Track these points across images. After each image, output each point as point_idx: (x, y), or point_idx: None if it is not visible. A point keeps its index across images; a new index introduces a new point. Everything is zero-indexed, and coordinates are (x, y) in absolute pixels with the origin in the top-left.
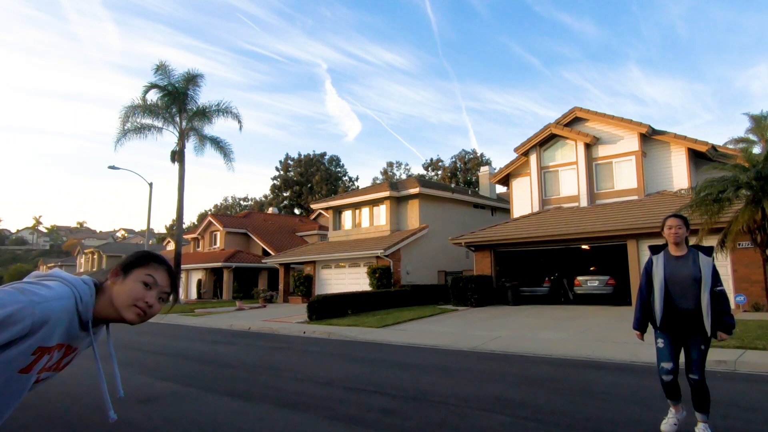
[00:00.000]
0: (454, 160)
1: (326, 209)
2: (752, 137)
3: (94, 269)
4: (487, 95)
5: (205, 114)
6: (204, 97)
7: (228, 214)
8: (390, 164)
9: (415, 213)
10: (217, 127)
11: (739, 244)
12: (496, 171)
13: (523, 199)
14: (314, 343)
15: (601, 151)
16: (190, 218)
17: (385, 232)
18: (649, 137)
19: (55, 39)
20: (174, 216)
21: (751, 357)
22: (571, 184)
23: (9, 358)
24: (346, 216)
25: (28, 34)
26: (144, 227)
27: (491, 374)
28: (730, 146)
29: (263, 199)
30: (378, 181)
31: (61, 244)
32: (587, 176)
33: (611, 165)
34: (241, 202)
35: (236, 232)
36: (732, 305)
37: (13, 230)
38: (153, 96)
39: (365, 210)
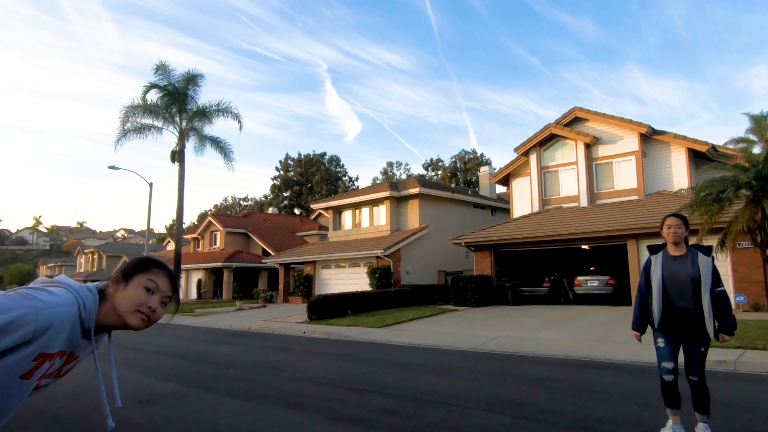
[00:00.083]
0: (454, 160)
1: (326, 209)
2: (752, 137)
3: (94, 269)
4: (487, 95)
5: (205, 114)
6: (204, 97)
7: (228, 214)
8: (390, 164)
9: (415, 213)
10: (217, 127)
11: (739, 244)
12: (496, 171)
13: (523, 199)
14: (314, 343)
15: (601, 151)
16: (190, 218)
17: (385, 232)
18: (649, 137)
19: (55, 39)
20: (174, 216)
21: (751, 357)
22: (571, 184)
23: (10, 364)
24: (346, 216)
25: (28, 34)
26: (144, 227)
27: (491, 374)
28: (730, 146)
29: (263, 199)
30: (378, 181)
31: (61, 244)
32: (587, 176)
33: (611, 165)
34: (241, 202)
35: (236, 232)
36: (732, 305)
37: (13, 230)
38: (153, 96)
39: (365, 210)
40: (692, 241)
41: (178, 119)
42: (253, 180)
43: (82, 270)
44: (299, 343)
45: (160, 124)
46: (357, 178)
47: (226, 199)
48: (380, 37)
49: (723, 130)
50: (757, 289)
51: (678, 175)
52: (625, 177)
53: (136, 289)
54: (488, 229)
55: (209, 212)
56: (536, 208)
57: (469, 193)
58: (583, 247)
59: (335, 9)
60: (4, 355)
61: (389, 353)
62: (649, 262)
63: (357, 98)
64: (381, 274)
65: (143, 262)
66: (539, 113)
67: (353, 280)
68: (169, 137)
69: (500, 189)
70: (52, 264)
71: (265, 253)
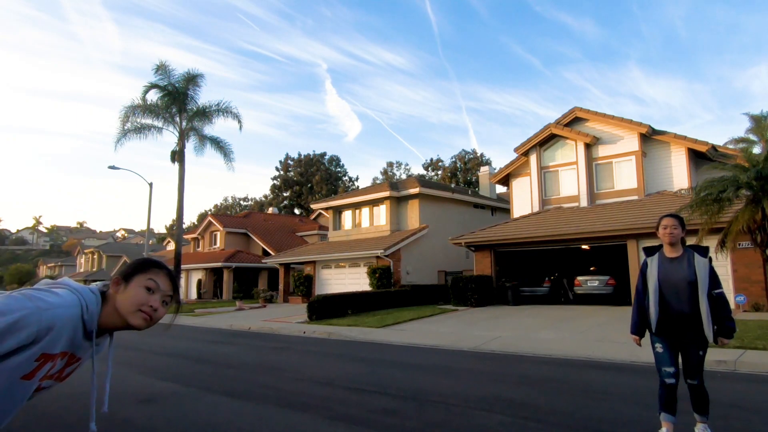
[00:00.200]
0: (454, 160)
1: (326, 209)
2: (752, 137)
3: (94, 269)
4: (487, 95)
5: (205, 114)
6: (204, 97)
7: (228, 214)
8: (390, 164)
9: (415, 213)
10: (217, 127)
11: (739, 244)
12: (496, 171)
13: (523, 199)
14: (314, 343)
15: (601, 151)
16: (190, 218)
17: (385, 232)
18: (649, 137)
19: (55, 39)
20: (174, 216)
21: (751, 357)
22: (571, 184)
23: (14, 365)
24: (346, 216)
25: (28, 34)
26: (144, 227)
27: (491, 374)
28: (730, 146)
29: (263, 199)
30: (378, 181)
31: (61, 244)
32: (587, 176)
33: (611, 165)
34: (241, 202)
35: (236, 232)
36: (732, 305)
37: (13, 230)
38: (153, 96)
39: (365, 210)
40: (692, 241)
41: (178, 119)
42: (253, 180)
43: (82, 270)
44: (299, 343)
45: (160, 124)
46: (357, 178)
47: (226, 199)
48: (380, 37)
49: (723, 130)
50: (757, 289)
51: (678, 175)
52: (625, 177)
53: (137, 289)
54: (488, 229)
55: (209, 212)
56: (536, 208)
57: (469, 193)
58: (583, 247)
59: (335, 9)
60: (7, 357)
61: (389, 353)
62: (645, 264)
63: (357, 98)
64: (381, 274)
65: (143, 263)
66: (539, 113)
67: (353, 280)
68: (169, 137)
69: (500, 189)
70: (52, 264)
71: (265, 253)
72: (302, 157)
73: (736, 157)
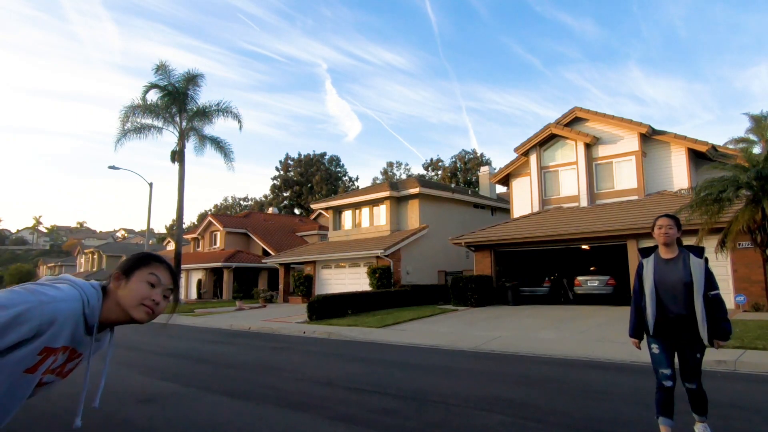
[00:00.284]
0: (454, 160)
1: (326, 209)
2: (752, 137)
3: (94, 269)
4: (487, 95)
5: (205, 114)
6: (204, 97)
7: (228, 214)
8: (390, 164)
9: (415, 213)
10: (217, 127)
11: (739, 244)
12: (496, 171)
13: (523, 199)
14: (314, 343)
15: (601, 151)
16: (190, 218)
17: (385, 232)
18: (649, 137)
19: (55, 39)
20: (174, 216)
21: (751, 357)
22: (571, 184)
23: (17, 359)
24: (346, 216)
25: (28, 34)
26: (144, 227)
27: (491, 374)
28: (730, 146)
29: (263, 199)
30: (378, 181)
31: (61, 244)
32: (587, 176)
33: (611, 165)
34: (241, 202)
35: (236, 232)
36: (732, 305)
37: (13, 230)
38: (153, 96)
39: (365, 210)
40: (693, 241)
41: (178, 119)
42: (253, 180)
43: (82, 270)
44: (299, 343)
45: (160, 124)
46: (357, 178)
47: (226, 199)
48: (380, 37)
49: (723, 130)
50: (757, 289)
51: (678, 175)
52: (625, 177)
53: (139, 284)
54: (488, 229)
55: (209, 212)
56: (536, 208)
57: (469, 193)
58: (583, 247)
59: (335, 9)
60: (10, 351)
61: (389, 353)
62: (641, 266)
63: (357, 98)
64: (381, 274)
65: (143, 258)
66: (539, 113)
67: (353, 280)
68: (169, 137)
69: (500, 189)
70: (52, 264)
71: (265, 253)
72: (302, 157)
73: (736, 157)
